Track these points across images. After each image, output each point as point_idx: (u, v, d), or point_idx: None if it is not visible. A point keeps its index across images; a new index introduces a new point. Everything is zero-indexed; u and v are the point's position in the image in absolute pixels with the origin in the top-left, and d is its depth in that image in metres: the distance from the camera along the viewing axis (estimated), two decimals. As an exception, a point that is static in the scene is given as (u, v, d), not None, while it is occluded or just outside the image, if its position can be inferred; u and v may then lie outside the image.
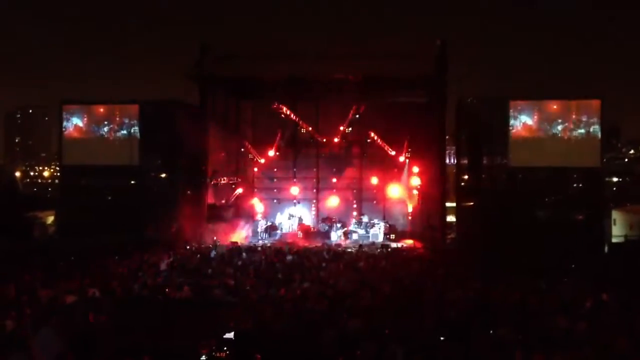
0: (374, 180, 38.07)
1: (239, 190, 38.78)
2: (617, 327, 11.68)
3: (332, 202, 39.04)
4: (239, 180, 39.02)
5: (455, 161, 38.32)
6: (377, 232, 35.10)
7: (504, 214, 32.51)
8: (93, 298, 14.82)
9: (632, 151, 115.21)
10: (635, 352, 9.92)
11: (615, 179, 73.60)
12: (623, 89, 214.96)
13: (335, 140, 37.31)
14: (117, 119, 36.77)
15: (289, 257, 24.60)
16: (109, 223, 32.88)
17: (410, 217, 38.00)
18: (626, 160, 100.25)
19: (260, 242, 34.32)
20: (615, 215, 40.20)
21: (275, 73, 34.56)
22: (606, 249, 32.15)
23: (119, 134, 36.56)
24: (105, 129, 36.85)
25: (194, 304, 14.43)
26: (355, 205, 39.03)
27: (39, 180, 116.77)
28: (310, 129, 37.51)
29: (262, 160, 38.86)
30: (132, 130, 36.43)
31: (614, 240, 35.65)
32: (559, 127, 33.52)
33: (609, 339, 10.48)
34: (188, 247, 29.84)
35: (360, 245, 31.35)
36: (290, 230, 37.04)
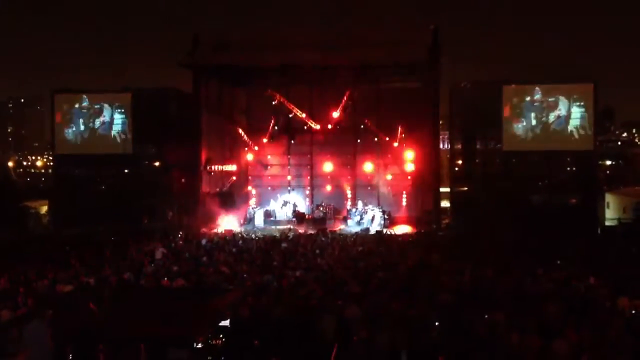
0: (368, 167, 38.04)
1: (233, 178, 38.77)
2: (610, 310, 11.80)
3: (327, 188, 39.04)
4: (233, 167, 38.98)
5: (449, 146, 38.38)
6: (372, 218, 35.08)
7: (498, 198, 32.65)
8: (88, 287, 14.83)
9: (625, 134, 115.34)
10: (628, 334, 9.99)
11: (608, 162, 73.75)
12: (618, 71, 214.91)
13: (329, 126, 37.19)
14: (111, 107, 36.67)
15: (284, 244, 24.63)
16: (103, 212, 32.96)
17: (404, 203, 38.04)
18: (619, 143, 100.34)
19: (255, 229, 34.30)
20: (609, 198, 40.36)
21: (269, 60, 34.42)
22: (599, 232, 32.32)
23: (112, 123, 36.47)
24: (99, 117, 36.77)
25: (189, 291, 14.44)
26: (349, 192, 39.02)
27: (32, 170, 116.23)
28: (304, 115, 37.36)
29: (256, 148, 38.78)
30: (125, 119, 36.36)
31: (607, 223, 35.81)
32: (552, 111, 33.60)
33: (603, 321, 10.57)
34: (183, 235, 29.81)
35: (355, 232, 31.38)
36: (285, 217, 37.04)
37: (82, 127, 36.97)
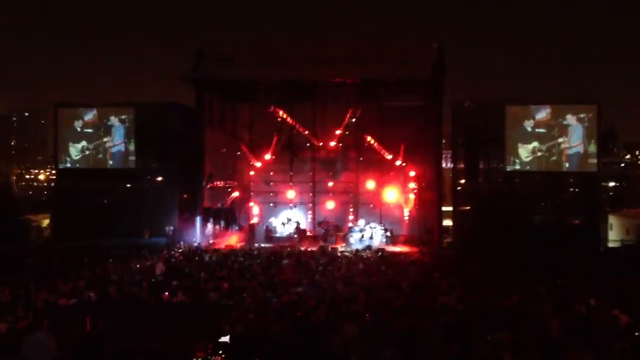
0: (371, 184, 37.95)
1: (235, 194, 38.73)
2: (612, 331, 11.70)
3: (329, 206, 38.96)
4: (235, 183, 38.98)
5: (452, 165, 38.32)
6: (374, 236, 34.96)
7: (501, 218, 32.54)
8: (89, 301, 14.78)
9: (628, 155, 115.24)
10: (630, 356, 9.91)
11: (611, 184, 73.61)
12: (621, 92, 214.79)
13: (332, 144, 37.22)
14: (113, 122, 36.74)
15: (285, 261, 24.56)
16: (104, 226, 32.92)
17: (406, 221, 37.92)
18: (622, 164, 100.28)
19: (256, 245, 34.19)
20: (612, 219, 40.22)
21: (272, 76, 34.52)
22: (602, 253, 32.16)
23: (114, 137, 36.54)
24: (101, 132, 36.85)
25: (189, 307, 14.40)
26: (351, 209, 38.92)
27: (35, 184, 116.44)
28: (306, 132, 37.41)
29: (259, 164, 38.75)
30: (127, 134, 36.43)
31: (610, 244, 35.65)
32: (555, 132, 33.60)
33: (605, 343, 10.48)
34: (184, 251, 29.75)
35: (357, 250, 31.27)
36: (287, 234, 36.94)
37: (84, 142, 37.03)
